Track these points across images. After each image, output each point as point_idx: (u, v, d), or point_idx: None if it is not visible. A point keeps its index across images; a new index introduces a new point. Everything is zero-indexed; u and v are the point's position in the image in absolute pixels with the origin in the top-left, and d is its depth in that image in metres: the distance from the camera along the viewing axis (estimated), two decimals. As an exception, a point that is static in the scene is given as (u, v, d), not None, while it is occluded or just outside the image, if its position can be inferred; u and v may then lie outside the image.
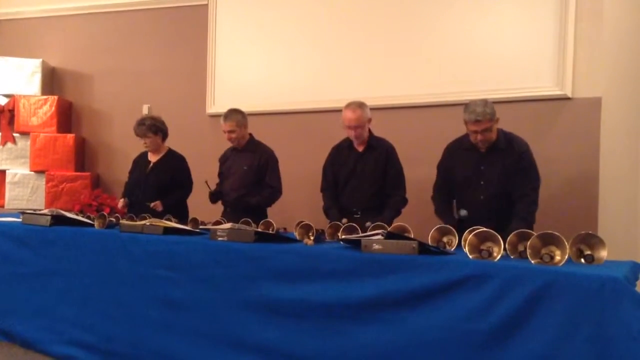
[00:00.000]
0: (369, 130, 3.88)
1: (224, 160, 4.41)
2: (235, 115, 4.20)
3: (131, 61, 6.16)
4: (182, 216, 4.09)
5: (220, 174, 4.42)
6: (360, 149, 3.87)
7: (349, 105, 3.80)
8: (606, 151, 4.16)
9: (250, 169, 4.21)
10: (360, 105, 3.78)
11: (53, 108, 6.13)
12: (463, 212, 3.40)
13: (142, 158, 4.58)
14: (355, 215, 3.75)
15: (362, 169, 3.84)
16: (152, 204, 4.19)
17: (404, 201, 3.81)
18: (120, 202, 4.44)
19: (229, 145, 4.35)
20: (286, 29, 5.43)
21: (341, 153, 3.95)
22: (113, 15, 6.27)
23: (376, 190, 3.82)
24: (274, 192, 4.22)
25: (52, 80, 6.48)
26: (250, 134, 4.34)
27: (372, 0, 5.08)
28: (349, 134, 3.84)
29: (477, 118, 3.27)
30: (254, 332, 2.71)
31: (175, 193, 4.40)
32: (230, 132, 4.19)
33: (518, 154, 3.35)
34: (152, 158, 4.50)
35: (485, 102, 3.31)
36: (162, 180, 4.39)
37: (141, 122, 4.41)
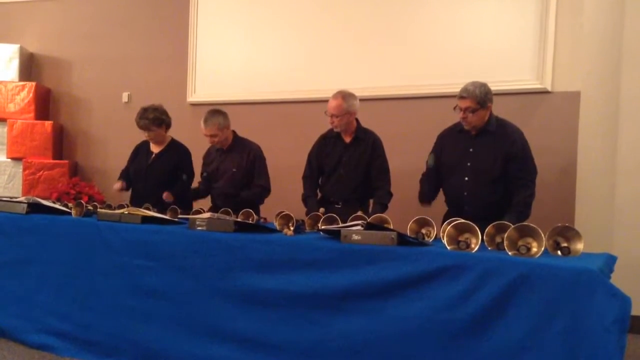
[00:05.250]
0: (357, 122, 3.85)
1: (209, 161, 4.31)
2: (216, 118, 4.06)
3: (111, 48, 6.09)
4: (187, 206, 4.06)
5: (202, 174, 4.33)
6: (347, 139, 3.85)
7: (334, 93, 3.79)
8: (584, 144, 4.21)
9: (239, 170, 4.13)
10: (345, 95, 3.74)
11: (31, 94, 6.04)
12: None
13: (143, 148, 4.45)
14: (337, 206, 3.75)
15: (348, 160, 3.82)
16: (164, 195, 4.06)
17: (389, 195, 3.80)
18: (117, 185, 4.26)
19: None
20: (269, 17, 5.40)
21: (328, 142, 3.93)
22: (93, 0, 6.18)
23: (360, 182, 3.80)
24: (263, 190, 4.15)
25: (30, 66, 6.38)
26: (234, 132, 4.24)
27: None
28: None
29: (461, 94, 3.29)
30: (232, 321, 2.71)
31: (178, 184, 4.27)
32: (212, 136, 4.08)
33: (510, 140, 3.32)
34: (155, 149, 4.38)
35: (481, 84, 3.30)
36: (164, 171, 4.29)
37: (144, 116, 4.23)
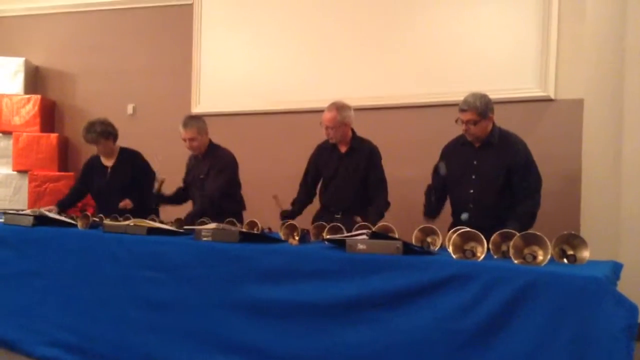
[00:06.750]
0: (352, 131, 3.87)
1: (189, 167, 4.32)
2: (195, 122, 4.08)
3: (115, 60, 6.12)
4: (151, 211, 4.10)
5: (184, 180, 4.34)
6: (343, 149, 3.87)
7: (329, 105, 3.81)
8: (588, 152, 4.20)
9: (206, 177, 4.12)
10: (339, 107, 3.76)
11: (36, 107, 6.07)
12: (464, 216, 3.34)
13: (95, 164, 4.45)
14: (336, 215, 3.76)
15: (344, 170, 3.83)
16: (120, 204, 4.10)
17: (387, 204, 3.80)
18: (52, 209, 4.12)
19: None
20: (272, 29, 5.43)
21: (324, 152, 3.96)
22: (97, 13, 6.22)
23: (357, 192, 3.81)
24: (209, 200, 4.00)
25: (35, 79, 6.41)
26: (210, 140, 4.21)
27: (358, 3, 5.09)
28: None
29: (462, 107, 3.29)
30: (238, 332, 2.70)
31: (142, 188, 4.27)
32: (191, 140, 4.06)
33: (513, 151, 3.32)
34: (107, 162, 4.40)
35: (481, 96, 3.29)
36: (123, 180, 4.31)
37: (91, 129, 4.26)
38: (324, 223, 3.19)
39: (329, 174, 3.89)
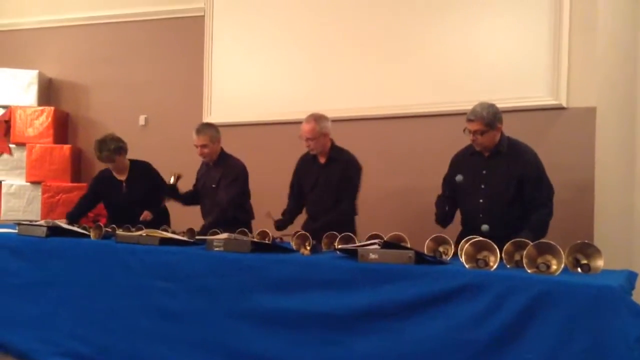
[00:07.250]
0: (331, 142, 3.90)
1: (200, 174, 4.36)
2: (208, 129, 4.12)
3: (128, 72, 6.17)
4: (164, 219, 4.17)
5: (194, 186, 4.38)
6: (322, 160, 3.90)
7: (306, 117, 3.85)
8: (601, 160, 4.18)
9: (218, 186, 4.15)
10: (316, 117, 3.81)
11: (49, 119, 6.13)
12: (485, 227, 3.30)
13: (107, 178, 4.46)
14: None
15: (324, 180, 3.87)
16: (141, 217, 4.15)
17: (348, 209, 3.82)
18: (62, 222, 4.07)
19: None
20: (282, 40, 5.46)
21: (305, 163, 4.02)
22: (110, 26, 6.29)
23: (337, 202, 3.83)
24: (221, 211, 4.03)
25: (48, 91, 6.48)
26: (222, 148, 4.23)
27: (367, 13, 5.11)
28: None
29: (469, 117, 3.27)
30: (250, 342, 2.70)
31: (159, 198, 4.34)
32: (202, 146, 4.09)
33: (523, 160, 3.30)
34: (120, 176, 4.42)
35: (489, 105, 3.27)
36: (141, 193, 4.35)
37: (104, 148, 4.26)
38: (335, 233, 3.19)
39: (310, 185, 3.94)
